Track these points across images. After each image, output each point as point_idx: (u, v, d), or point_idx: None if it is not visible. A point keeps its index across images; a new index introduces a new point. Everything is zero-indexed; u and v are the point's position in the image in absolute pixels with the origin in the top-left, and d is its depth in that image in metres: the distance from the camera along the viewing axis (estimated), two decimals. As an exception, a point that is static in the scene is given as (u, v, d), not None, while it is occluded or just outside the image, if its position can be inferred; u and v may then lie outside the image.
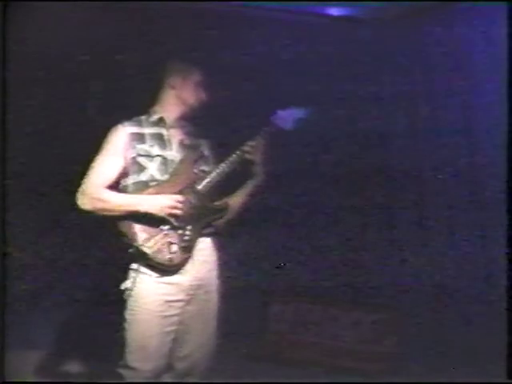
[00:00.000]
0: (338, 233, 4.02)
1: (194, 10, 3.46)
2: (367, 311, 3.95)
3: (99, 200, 2.42)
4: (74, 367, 3.41)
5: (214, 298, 2.54)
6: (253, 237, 3.87)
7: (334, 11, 3.90)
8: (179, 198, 2.45)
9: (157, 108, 2.59)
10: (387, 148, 3.96)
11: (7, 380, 2.68)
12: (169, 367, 2.49)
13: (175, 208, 2.43)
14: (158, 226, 2.42)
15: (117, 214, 2.42)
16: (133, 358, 2.40)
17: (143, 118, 2.57)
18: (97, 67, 3.46)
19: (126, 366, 2.41)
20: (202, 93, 2.58)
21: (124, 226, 2.41)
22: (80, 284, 3.64)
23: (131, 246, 2.42)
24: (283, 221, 3.96)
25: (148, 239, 2.40)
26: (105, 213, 2.43)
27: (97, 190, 2.44)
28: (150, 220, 2.41)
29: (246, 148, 2.56)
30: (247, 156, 2.56)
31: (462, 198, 3.65)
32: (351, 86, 3.86)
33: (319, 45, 3.82)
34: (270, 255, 3.92)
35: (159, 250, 2.39)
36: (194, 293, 2.48)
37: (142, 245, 2.39)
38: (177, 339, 2.47)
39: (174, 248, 2.42)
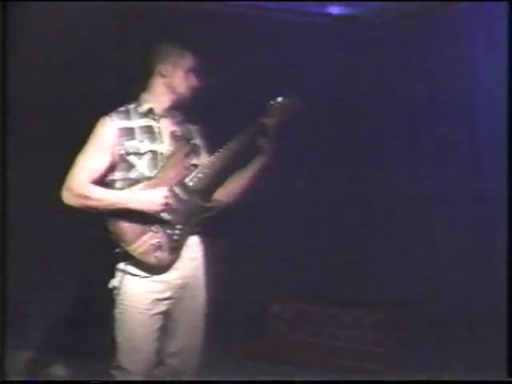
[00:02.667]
0: (338, 233, 4.03)
1: (193, 9, 3.48)
2: (367, 311, 3.97)
3: (85, 197, 2.34)
4: (64, 367, 3.43)
5: (201, 294, 2.51)
6: (251, 235, 3.87)
7: (335, 11, 3.90)
8: (168, 192, 2.37)
9: (146, 96, 2.50)
10: (387, 146, 3.97)
11: (7, 380, 2.68)
12: (160, 362, 2.47)
13: (166, 204, 2.36)
14: (146, 225, 2.36)
15: (105, 211, 2.34)
16: (124, 358, 2.38)
17: (132, 107, 2.48)
18: (97, 66, 3.47)
19: (118, 367, 2.39)
20: (194, 81, 2.49)
21: (112, 224, 2.35)
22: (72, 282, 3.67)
23: (118, 245, 2.37)
24: (282, 219, 3.97)
25: (135, 239, 2.34)
26: (92, 210, 2.35)
27: (82, 186, 2.35)
28: (139, 218, 2.34)
29: (260, 122, 2.49)
30: (262, 129, 2.48)
31: (463, 198, 3.65)
32: (351, 85, 3.87)
33: (319, 44, 3.83)
34: (269, 254, 3.93)
35: (147, 251, 2.34)
36: (182, 290, 2.45)
37: (128, 245, 2.34)
38: (166, 336, 2.45)
39: (162, 249, 2.36)
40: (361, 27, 3.82)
